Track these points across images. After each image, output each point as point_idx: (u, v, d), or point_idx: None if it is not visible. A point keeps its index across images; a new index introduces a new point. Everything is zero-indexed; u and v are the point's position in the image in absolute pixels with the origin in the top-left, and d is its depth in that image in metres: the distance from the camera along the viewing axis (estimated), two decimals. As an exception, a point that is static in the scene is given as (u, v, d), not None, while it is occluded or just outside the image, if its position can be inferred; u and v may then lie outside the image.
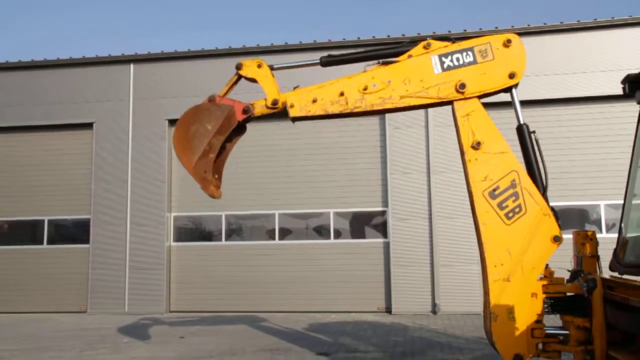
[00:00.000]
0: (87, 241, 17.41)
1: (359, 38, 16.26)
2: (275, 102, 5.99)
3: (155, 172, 17.09)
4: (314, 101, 5.85)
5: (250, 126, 6.70)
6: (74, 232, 17.57)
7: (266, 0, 55.80)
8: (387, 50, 6.05)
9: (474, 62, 5.67)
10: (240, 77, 6.23)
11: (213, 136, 5.70)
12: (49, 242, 17.72)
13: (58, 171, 17.90)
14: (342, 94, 5.80)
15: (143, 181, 17.09)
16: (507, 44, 5.77)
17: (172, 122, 16.99)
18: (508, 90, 5.82)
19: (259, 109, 6.07)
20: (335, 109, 5.76)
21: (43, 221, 17.74)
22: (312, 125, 16.31)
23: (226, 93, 6.12)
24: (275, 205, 16.67)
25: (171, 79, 17.58)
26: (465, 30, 15.56)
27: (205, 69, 17.22)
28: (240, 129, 6.15)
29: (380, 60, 5.90)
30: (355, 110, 5.75)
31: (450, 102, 5.86)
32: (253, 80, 6.16)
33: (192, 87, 16.95)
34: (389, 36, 16.02)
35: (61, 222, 17.78)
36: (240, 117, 5.94)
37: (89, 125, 17.71)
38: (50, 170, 17.96)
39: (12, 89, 17.99)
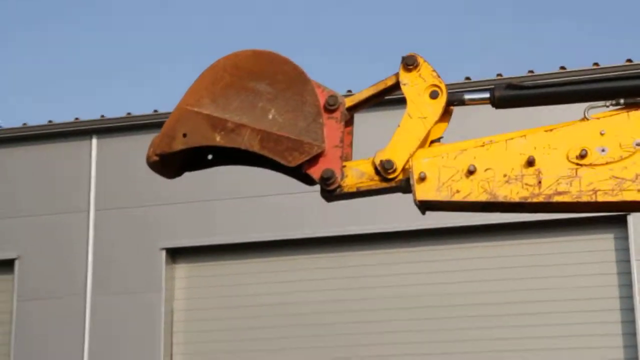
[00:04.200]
0: None
1: (563, 68, 12.69)
2: (388, 167, 3.46)
3: (140, 356, 13.16)
4: (470, 172, 3.38)
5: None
6: None
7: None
8: (631, 81, 3.40)
9: None
10: (396, 84, 3.59)
11: (253, 130, 3.69)
12: None
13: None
14: (530, 163, 3.33)
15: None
16: None
17: (173, 253, 13.77)
18: None
19: (354, 179, 3.50)
20: (513, 194, 3.30)
21: None
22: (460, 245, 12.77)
23: (357, 105, 3.68)
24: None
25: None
26: None
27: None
28: (290, 172, 3.82)
29: (622, 101, 3.32)
30: (554, 200, 3.24)
31: None
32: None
33: (218, 183, 13.01)
34: (630, 60, 12.56)
35: None
36: (306, 169, 3.58)
37: (7, 265, 14.18)
38: None
39: None
